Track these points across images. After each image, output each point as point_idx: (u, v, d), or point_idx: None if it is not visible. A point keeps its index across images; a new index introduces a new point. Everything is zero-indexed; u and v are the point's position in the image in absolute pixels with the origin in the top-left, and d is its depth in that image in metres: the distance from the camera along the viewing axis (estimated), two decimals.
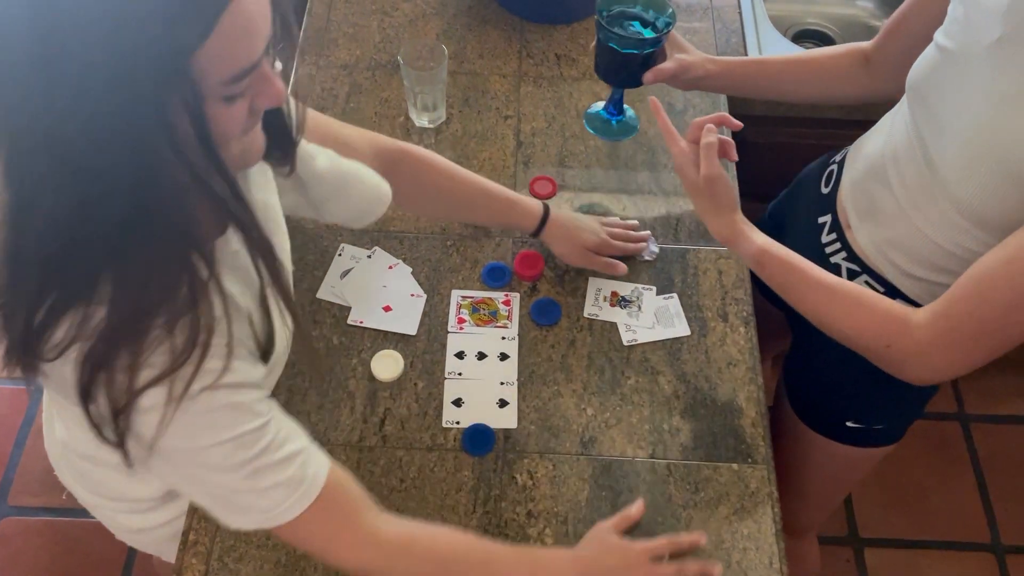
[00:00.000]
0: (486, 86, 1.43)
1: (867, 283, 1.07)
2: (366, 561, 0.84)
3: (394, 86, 1.42)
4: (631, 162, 1.35)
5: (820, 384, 1.23)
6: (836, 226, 1.12)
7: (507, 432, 1.09)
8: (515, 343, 1.16)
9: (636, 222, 1.26)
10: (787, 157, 1.58)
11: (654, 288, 1.21)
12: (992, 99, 0.86)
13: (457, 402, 1.11)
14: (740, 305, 1.20)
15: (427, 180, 1.13)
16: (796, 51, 1.55)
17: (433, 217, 1.26)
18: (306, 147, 0.95)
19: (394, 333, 1.16)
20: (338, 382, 1.13)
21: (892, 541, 1.90)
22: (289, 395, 1.11)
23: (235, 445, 0.74)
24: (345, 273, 1.21)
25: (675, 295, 1.21)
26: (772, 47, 1.52)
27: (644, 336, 1.17)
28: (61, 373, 0.68)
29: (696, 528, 1.03)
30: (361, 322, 1.17)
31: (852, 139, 1.17)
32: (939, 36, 0.95)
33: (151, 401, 0.68)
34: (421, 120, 1.37)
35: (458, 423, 1.10)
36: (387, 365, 1.13)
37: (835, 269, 1.10)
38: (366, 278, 1.21)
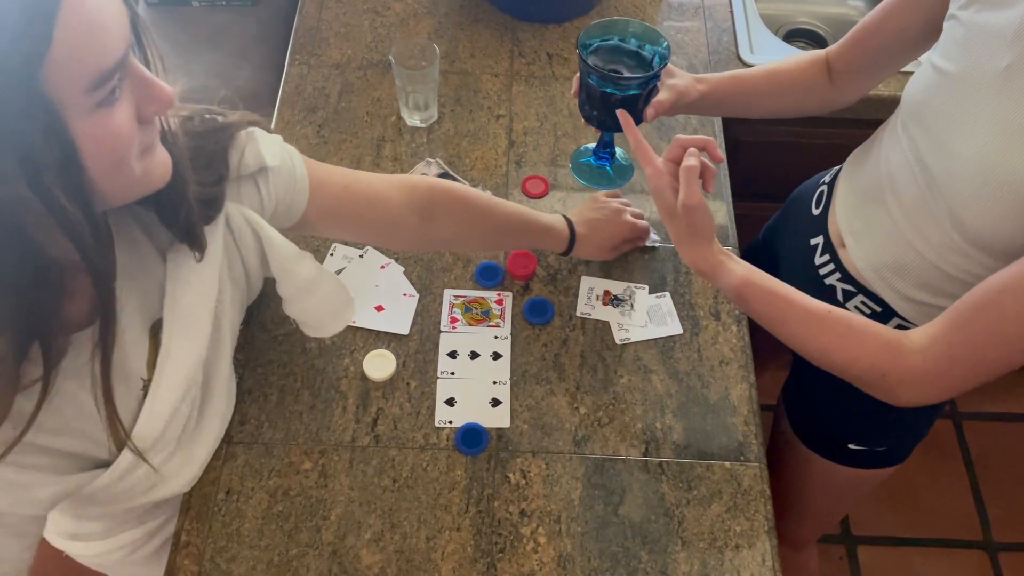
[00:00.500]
0: (478, 85, 1.43)
1: (863, 303, 1.05)
2: None
3: (386, 85, 1.42)
4: None
5: (821, 406, 1.20)
6: (828, 247, 1.10)
7: (500, 431, 1.09)
8: (508, 342, 1.16)
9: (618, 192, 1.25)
10: (779, 156, 1.59)
11: (646, 287, 1.21)
12: (1002, 127, 0.84)
13: (450, 401, 1.11)
14: (732, 304, 1.20)
15: (463, 217, 1.08)
16: (788, 51, 1.56)
17: (467, 251, 1.23)
18: (288, 247, 0.93)
19: (386, 333, 1.16)
20: (330, 382, 1.12)
21: (885, 539, 1.90)
22: (281, 395, 1.11)
23: None
24: (337, 273, 1.21)
25: (667, 294, 1.21)
26: (763, 46, 1.52)
27: (637, 335, 1.17)
28: None
29: (690, 527, 1.03)
30: (353, 322, 1.16)
31: (844, 137, 1.16)
32: (936, 58, 0.92)
33: None
34: (413, 119, 1.37)
35: (451, 422, 1.09)
36: (379, 365, 1.13)
37: (830, 290, 1.09)
38: (358, 278, 1.21)
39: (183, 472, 0.95)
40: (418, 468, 1.06)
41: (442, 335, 1.16)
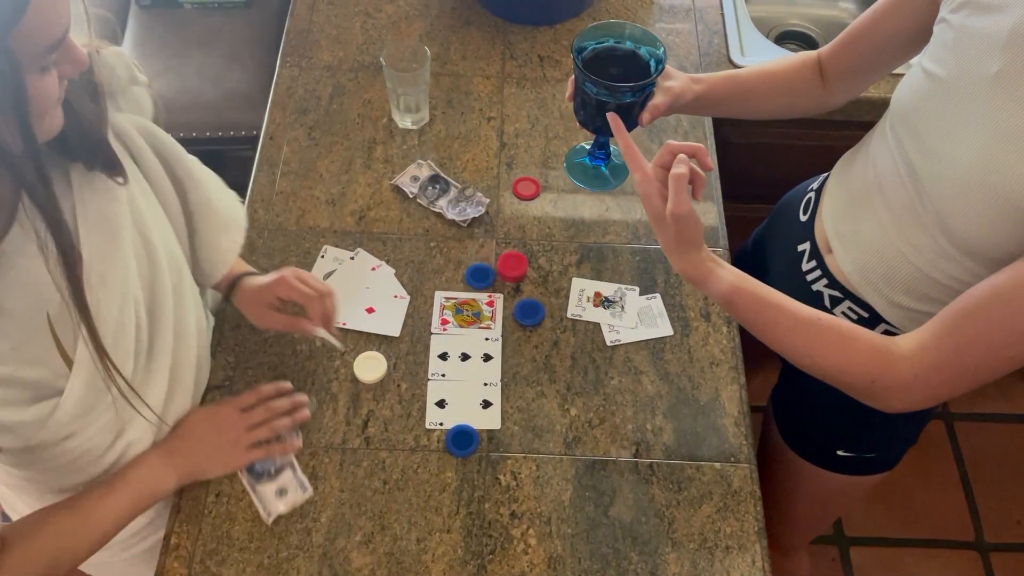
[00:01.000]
0: (469, 87, 1.43)
1: (850, 308, 1.05)
2: None
3: (377, 87, 1.42)
4: None
5: (809, 412, 1.20)
6: (815, 253, 1.10)
7: (491, 433, 1.09)
8: (498, 344, 1.16)
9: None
10: (769, 158, 1.59)
11: (637, 288, 1.21)
12: (991, 133, 0.83)
13: (440, 403, 1.11)
14: None
15: None
16: (779, 53, 1.56)
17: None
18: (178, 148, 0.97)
19: (377, 335, 1.16)
20: (321, 384, 1.12)
21: (877, 539, 1.91)
22: None
23: None
24: (328, 275, 1.21)
25: (658, 295, 1.21)
26: (754, 49, 1.52)
27: (627, 336, 1.17)
28: None
29: (680, 528, 1.03)
30: (344, 324, 1.16)
31: (834, 139, 1.17)
32: (926, 61, 0.92)
33: None
34: (404, 121, 1.37)
35: (441, 424, 1.09)
36: (370, 367, 1.13)
37: (817, 296, 1.09)
38: (349, 280, 1.21)
39: (141, 418, 0.92)
40: (409, 470, 1.06)
41: (433, 337, 1.16)
